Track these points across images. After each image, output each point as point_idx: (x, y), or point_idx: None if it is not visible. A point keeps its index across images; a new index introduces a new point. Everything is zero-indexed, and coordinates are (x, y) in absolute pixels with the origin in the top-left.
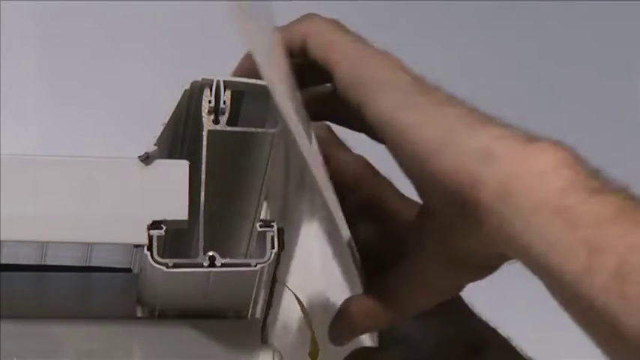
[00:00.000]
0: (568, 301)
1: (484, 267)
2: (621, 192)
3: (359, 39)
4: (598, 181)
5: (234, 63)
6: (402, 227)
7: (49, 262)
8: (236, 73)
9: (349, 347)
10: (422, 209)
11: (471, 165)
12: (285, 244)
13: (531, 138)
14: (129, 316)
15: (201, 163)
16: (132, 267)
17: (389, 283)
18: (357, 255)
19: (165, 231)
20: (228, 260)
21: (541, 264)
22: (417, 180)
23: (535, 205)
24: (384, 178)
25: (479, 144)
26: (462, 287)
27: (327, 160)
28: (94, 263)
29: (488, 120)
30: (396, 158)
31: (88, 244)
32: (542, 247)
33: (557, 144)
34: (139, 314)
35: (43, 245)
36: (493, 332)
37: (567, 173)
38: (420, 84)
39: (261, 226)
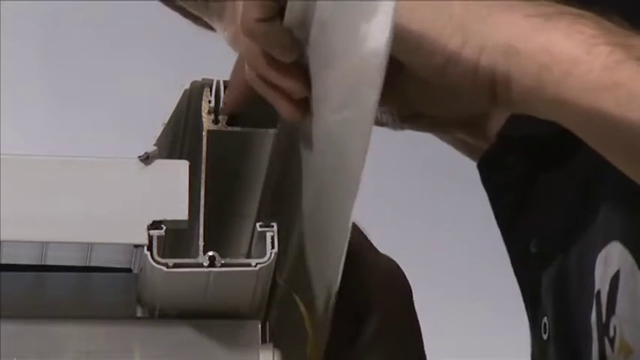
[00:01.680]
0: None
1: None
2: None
3: None
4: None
5: (234, 63)
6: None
7: (49, 262)
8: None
9: None
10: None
11: (497, 64)
12: None
13: (549, 16)
14: (129, 316)
15: (201, 163)
16: (132, 267)
17: None
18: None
19: (165, 231)
20: (228, 260)
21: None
22: (444, 86)
23: (579, 89)
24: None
25: (500, 40)
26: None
27: None
28: (94, 263)
29: (500, 10)
30: (416, 72)
31: (88, 244)
32: (597, 122)
33: (577, 21)
34: (139, 314)
35: (43, 245)
36: (379, 298)
37: (603, 51)
38: None
39: (261, 226)
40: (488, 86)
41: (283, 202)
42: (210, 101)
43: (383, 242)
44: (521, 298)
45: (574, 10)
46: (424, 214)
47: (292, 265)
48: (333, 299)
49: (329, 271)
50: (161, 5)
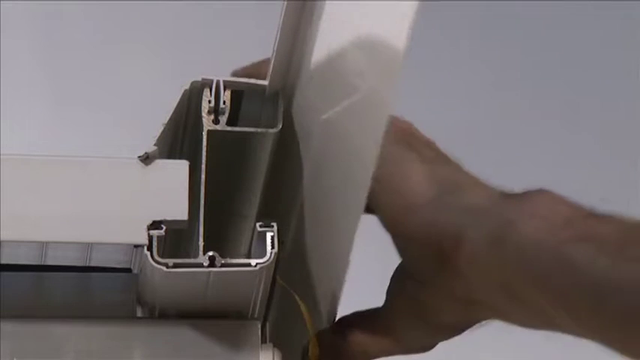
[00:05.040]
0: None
1: (452, 327)
2: (615, 217)
3: None
4: (591, 211)
5: (234, 63)
6: None
7: (49, 262)
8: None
9: None
10: (400, 269)
11: (456, 220)
12: None
13: (516, 193)
14: (129, 316)
15: (201, 163)
16: (132, 267)
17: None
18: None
19: (166, 231)
20: (228, 260)
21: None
22: (399, 234)
23: (543, 242)
24: None
25: (465, 202)
26: (432, 345)
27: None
28: (94, 263)
29: (476, 181)
30: (376, 211)
31: (88, 244)
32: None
33: (542, 190)
34: (139, 314)
35: (43, 245)
36: None
37: (564, 209)
38: (412, 139)
39: (261, 226)
40: (453, 239)
41: (281, 199)
42: (210, 101)
43: None
44: None
45: (536, 189)
46: None
47: (290, 264)
48: (337, 301)
49: (334, 272)
50: (161, 5)
